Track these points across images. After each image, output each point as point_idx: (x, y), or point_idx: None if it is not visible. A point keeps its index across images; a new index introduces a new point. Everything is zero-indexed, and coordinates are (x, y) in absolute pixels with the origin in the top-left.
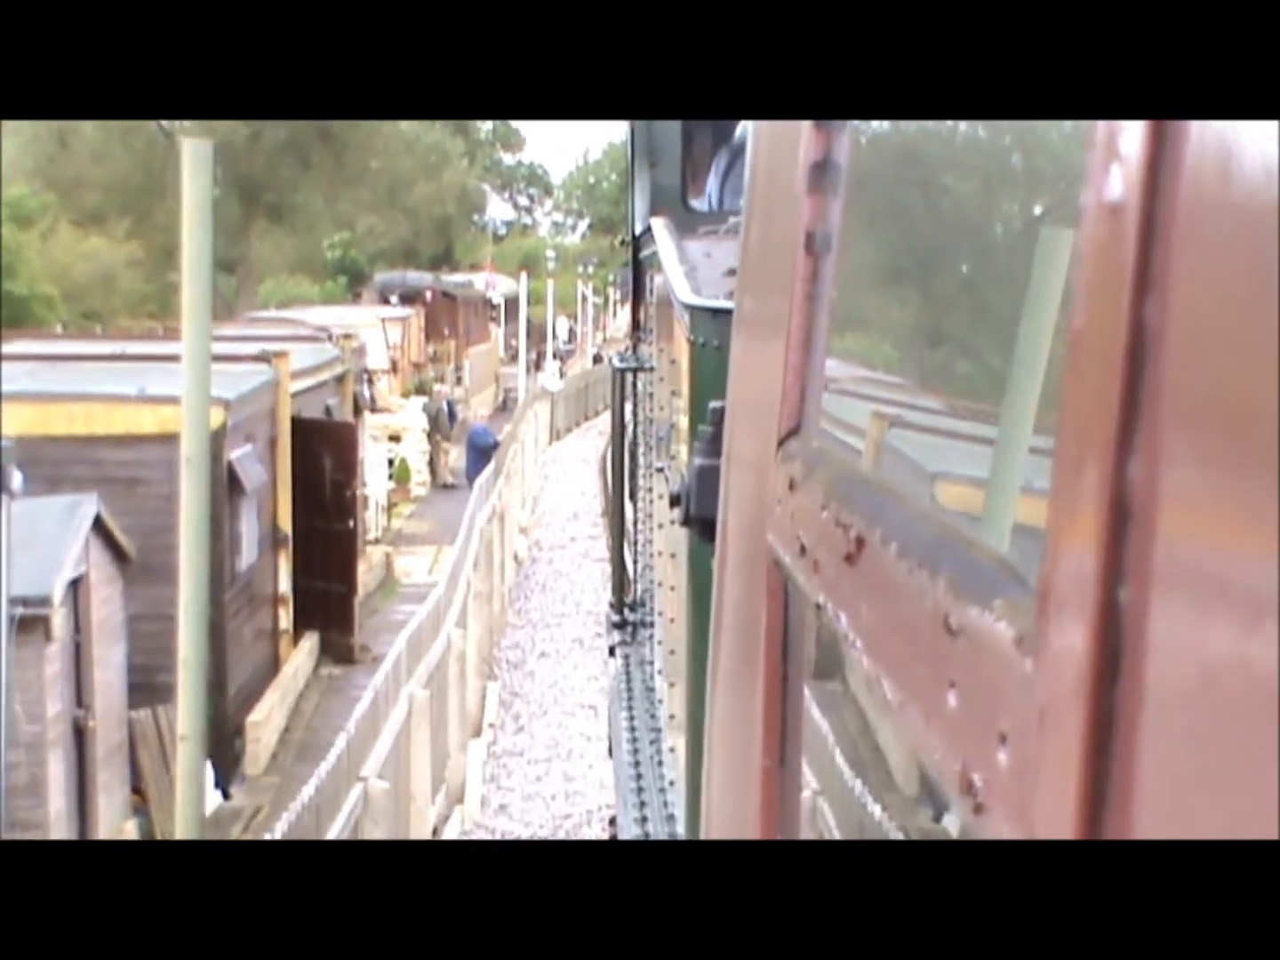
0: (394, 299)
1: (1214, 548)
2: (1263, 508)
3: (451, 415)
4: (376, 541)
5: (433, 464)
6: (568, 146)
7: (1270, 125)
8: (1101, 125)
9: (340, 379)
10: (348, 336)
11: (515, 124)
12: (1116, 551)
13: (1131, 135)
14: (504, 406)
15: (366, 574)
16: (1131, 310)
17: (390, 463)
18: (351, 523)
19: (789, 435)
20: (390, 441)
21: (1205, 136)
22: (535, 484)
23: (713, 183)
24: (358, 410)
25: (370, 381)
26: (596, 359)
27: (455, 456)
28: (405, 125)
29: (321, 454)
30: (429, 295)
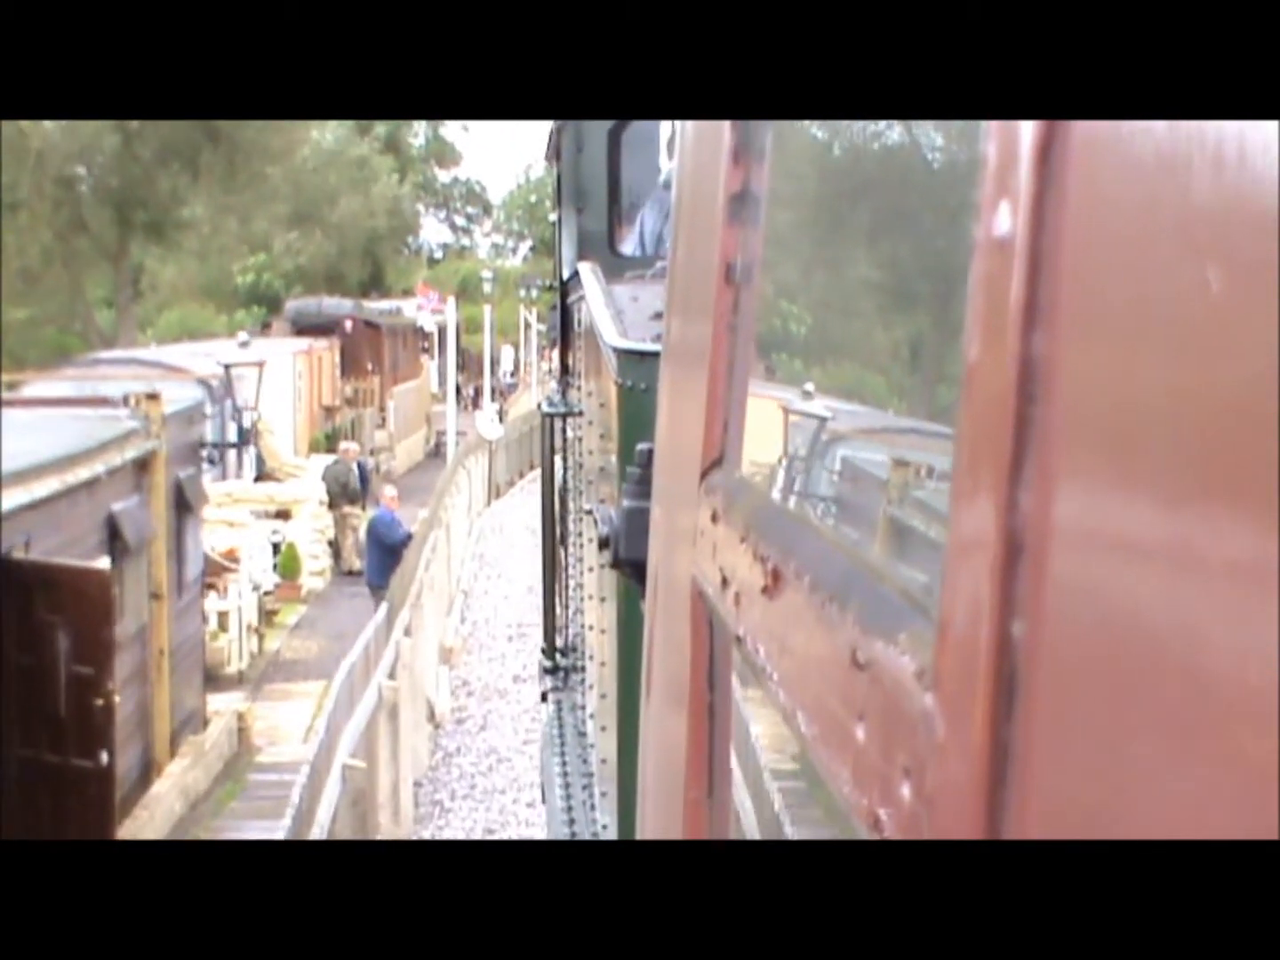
0: (242, 336)
1: (1106, 580)
2: (1152, 539)
3: (364, 479)
4: (239, 679)
5: (336, 544)
6: (508, 162)
7: (1157, 158)
8: (991, 161)
9: (144, 463)
10: (152, 397)
11: (450, 139)
12: (1009, 585)
13: (1020, 171)
14: (436, 452)
15: (191, 768)
16: (1021, 343)
17: (275, 549)
18: (105, 756)
19: (711, 467)
20: (277, 519)
21: (1092, 172)
22: (468, 569)
23: (650, 223)
24: (186, 507)
25: (255, 438)
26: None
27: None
28: (329, 136)
29: (51, 629)
30: (348, 325)
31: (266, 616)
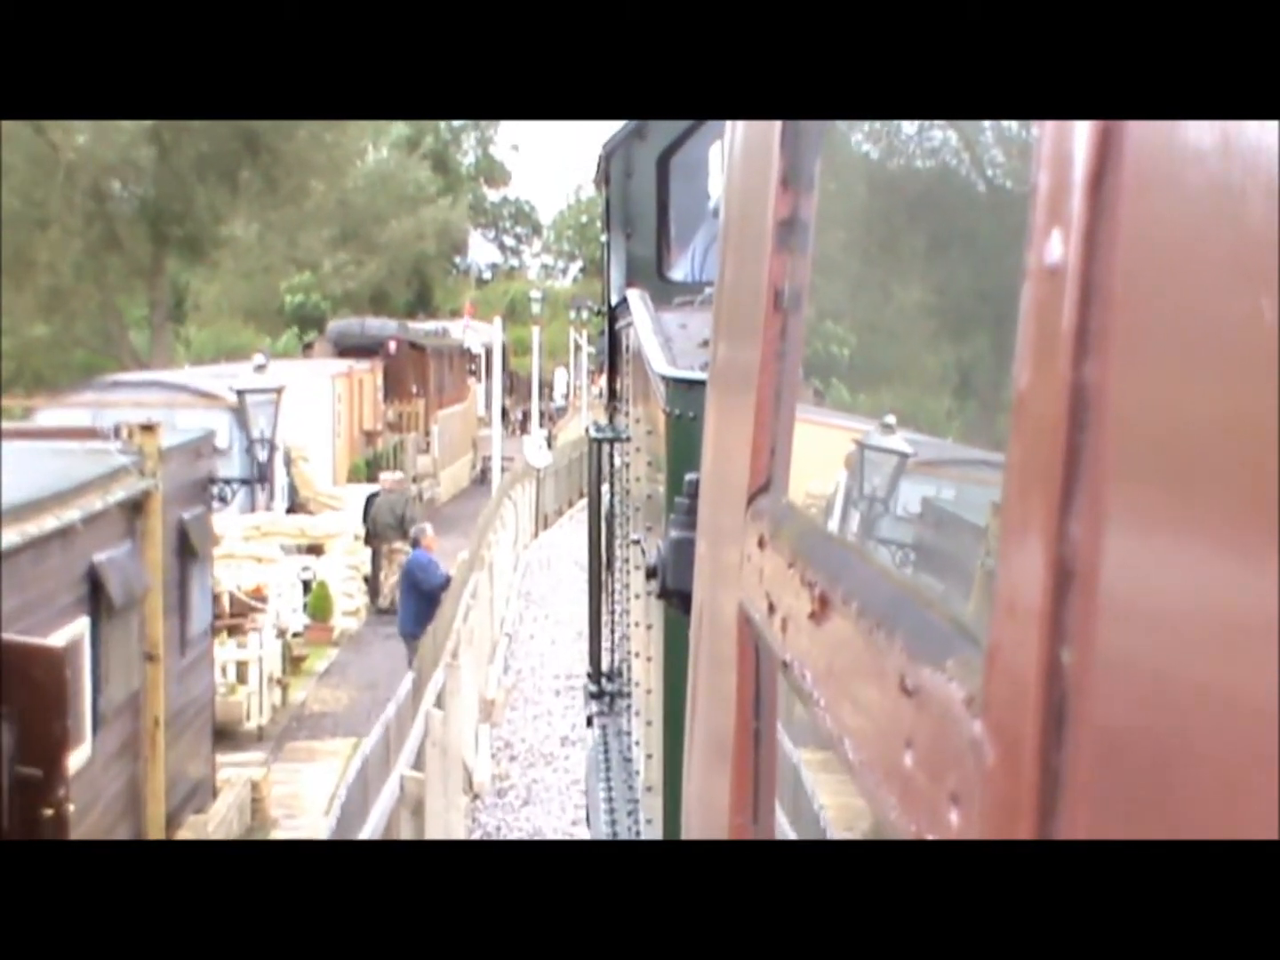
0: (258, 358)
1: (1155, 608)
2: (1203, 568)
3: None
4: (259, 735)
5: (376, 580)
6: (557, 182)
7: (1209, 185)
8: (1042, 188)
9: (137, 505)
10: (147, 428)
11: (500, 157)
12: (1059, 612)
13: (1072, 199)
14: (483, 479)
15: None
16: (1072, 371)
17: (306, 587)
18: None
19: (758, 492)
20: (309, 554)
21: (1144, 200)
22: (513, 609)
23: (702, 249)
24: (190, 553)
25: (288, 466)
26: None
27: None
28: (382, 153)
29: None
30: (392, 346)
31: (293, 663)
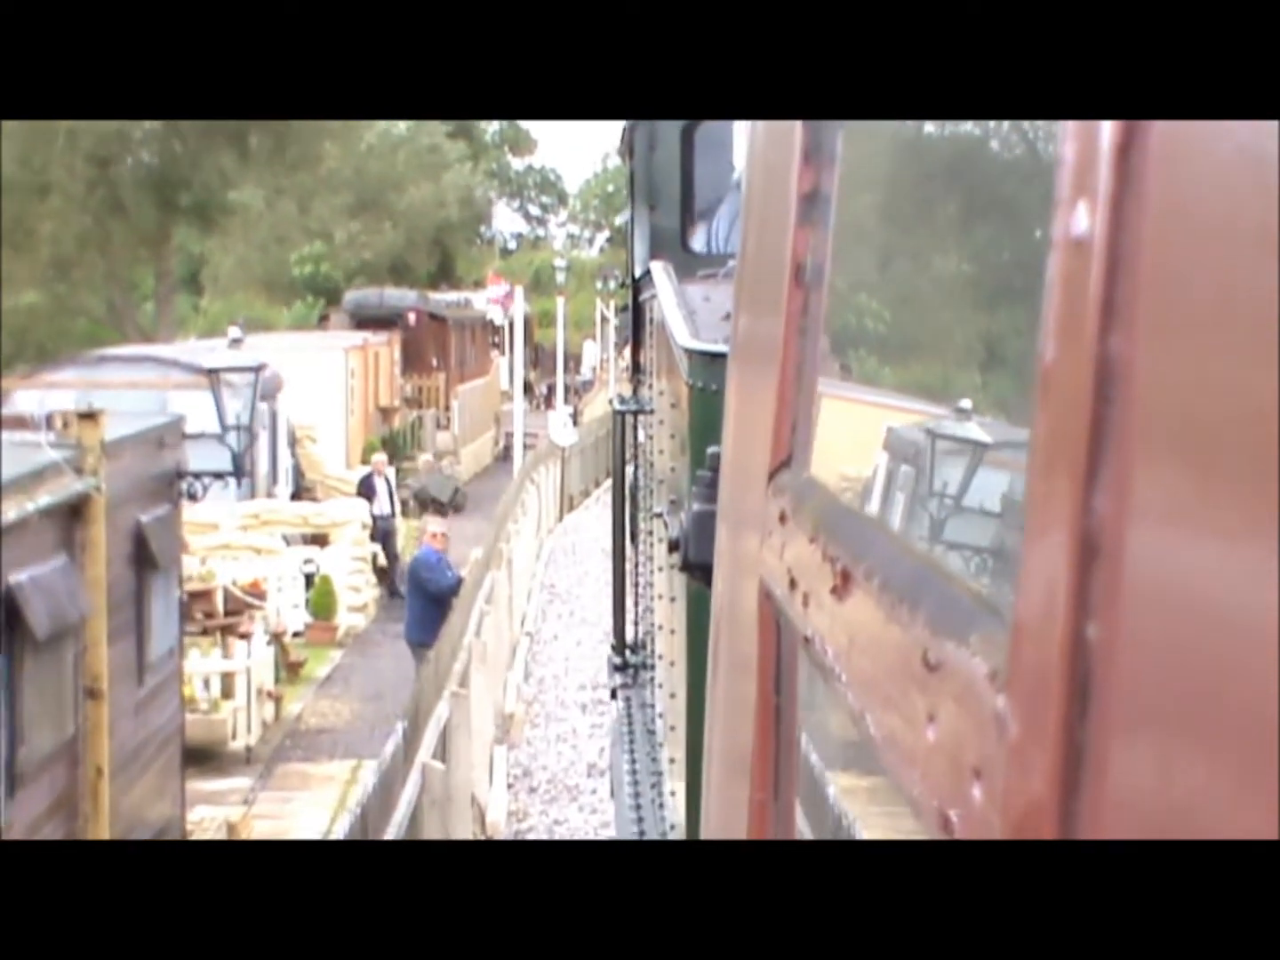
0: (234, 331)
1: (1180, 582)
2: (1230, 541)
3: (391, 493)
4: (247, 757)
5: (390, 562)
6: (584, 150)
7: (1239, 157)
8: (1069, 159)
9: (75, 509)
10: (87, 416)
11: (525, 125)
12: (1084, 586)
13: (1099, 169)
14: (505, 455)
15: None
16: (1098, 344)
17: (308, 582)
18: None
19: (780, 467)
20: (312, 545)
21: (1172, 170)
22: (535, 603)
23: (725, 221)
24: (150, 562)
25: (294, 447)
26: None
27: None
28: (399, 123)
29: None
30: (411, 317)
31: (290, 669)
